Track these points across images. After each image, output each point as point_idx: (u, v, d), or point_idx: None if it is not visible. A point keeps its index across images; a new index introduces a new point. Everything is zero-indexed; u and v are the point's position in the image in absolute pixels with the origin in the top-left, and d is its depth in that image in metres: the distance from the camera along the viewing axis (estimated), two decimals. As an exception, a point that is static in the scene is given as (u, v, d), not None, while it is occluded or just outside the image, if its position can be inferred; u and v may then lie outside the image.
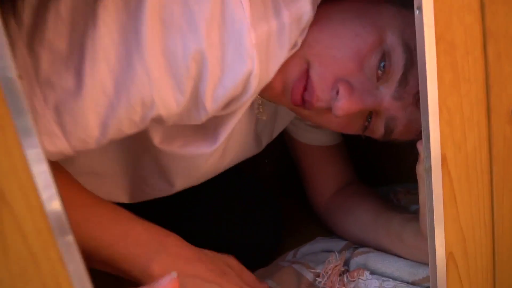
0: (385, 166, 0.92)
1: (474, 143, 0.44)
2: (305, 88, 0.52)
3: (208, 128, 0.56)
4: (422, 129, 0.43)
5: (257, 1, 0.46)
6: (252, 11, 0.45)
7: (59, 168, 0.52)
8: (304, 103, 0.53)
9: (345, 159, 0.77)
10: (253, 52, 0.46)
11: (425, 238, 0.51)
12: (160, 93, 0.45)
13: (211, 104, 0.48)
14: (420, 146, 0.45)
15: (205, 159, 0.58)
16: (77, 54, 0.43)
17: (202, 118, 0.49)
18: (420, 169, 0.48)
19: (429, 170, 0.43)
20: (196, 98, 0.47)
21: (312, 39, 0.52)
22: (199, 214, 0.74)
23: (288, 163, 0.84)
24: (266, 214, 0.75)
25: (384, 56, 0.50)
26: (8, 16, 0.44)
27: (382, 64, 0.50)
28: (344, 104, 0.50)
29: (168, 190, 0.64)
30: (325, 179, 0.76)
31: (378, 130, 0.55)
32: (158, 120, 0.48)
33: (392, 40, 0.50)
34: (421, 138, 0.44)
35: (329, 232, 0.75)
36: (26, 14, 0.44)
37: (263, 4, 0.47)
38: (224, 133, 0.55)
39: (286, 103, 0.55)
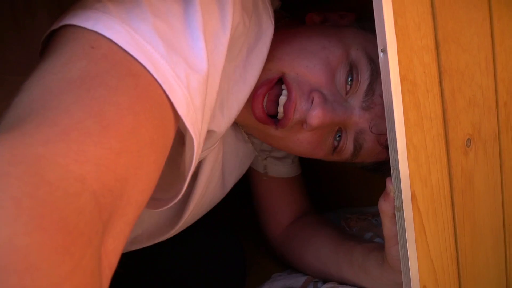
0: (327, 191, 0.93)
1: (437, 176, 0.45)
2: (262, 102, 0.51)
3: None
4: (392, 168, 0.43)
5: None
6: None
7: None
8: (274, 122, 0.52)
9: (302, 189, 0.77)
10: None
11: (390, 270, 0.52)
12: None
13: None
14: (389, 183, 0.45)
15: None
16: None
17: None
18: (384, 205, 0.48)
19: (400, 208, 0.43)
20: None
21: (282, 52, 0.51)
22: (164, 257, 0.69)
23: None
24: (231, 259, 0.72)
25: (351, 69, 0.51)
26: None
27: (349, 78, 0.51)
28: (319, 112, 0.49)
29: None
30: (281, 209, 0.75)
31: (347, 148, 0.54)
32: None
33: (357, 54, 0.51)
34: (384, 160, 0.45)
35: (284, 266, 0.74)
36: None
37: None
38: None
39: (253, 121, 0.53)
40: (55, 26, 0.33)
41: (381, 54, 0.40)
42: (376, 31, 0.40)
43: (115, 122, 0.27)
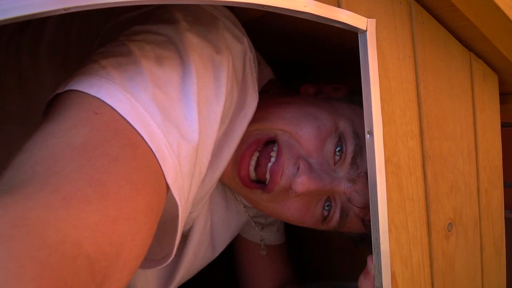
0: (311, 261, 0.92)
1: (418, 258, 0.46)
2: (248, 163, 0.52)
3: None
4: (373, 247, 0.43)
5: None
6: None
7: None
8: (260, 186, 0.53)
9: (285, 258, 0.76)
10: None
11: None
12: None
13: None
14: (370, 261, 0.45)
15: None
16: None
17: None
18: (364, 283, 0.47)
19: (380, 287, 0.44)
20: None
21: (275, 116, 0.53)
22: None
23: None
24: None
25: (340, 141, 0.52)
26: None
27: (338, 149, 0.52)
28: (304, 179, 0.50)
29: None
30: (262, 277, 0.74)
31: (335, 216, 0.55)
32: None
33: (345, 127, 0.53)
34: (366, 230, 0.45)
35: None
36: None
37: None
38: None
39: (238, 185, 0.54)
40: (60, 90, 0.35)
41: (367, 136, 0.42)
42: (364, 114, 0.42)
43: (114, 191, 0.29)
